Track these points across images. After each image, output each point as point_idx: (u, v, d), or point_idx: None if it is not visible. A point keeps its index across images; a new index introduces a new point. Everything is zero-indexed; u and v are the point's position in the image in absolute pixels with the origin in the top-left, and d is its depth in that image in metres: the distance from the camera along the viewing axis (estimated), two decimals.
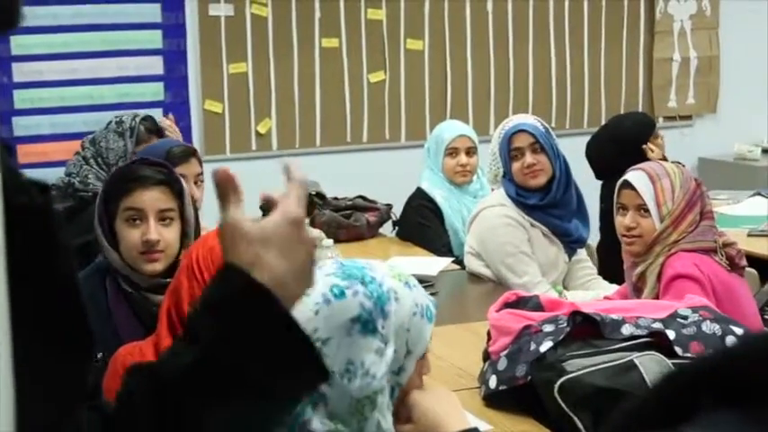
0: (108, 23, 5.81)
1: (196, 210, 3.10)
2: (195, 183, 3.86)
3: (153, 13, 5.90)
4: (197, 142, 6.00)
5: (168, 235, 2.89)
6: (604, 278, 4.45)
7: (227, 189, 1.34)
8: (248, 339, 1.21)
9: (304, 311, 1.73)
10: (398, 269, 1.83)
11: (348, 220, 5.10)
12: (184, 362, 1.20)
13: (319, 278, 1.76)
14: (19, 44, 5.68)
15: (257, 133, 6.15)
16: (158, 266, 2.89)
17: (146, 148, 4.17)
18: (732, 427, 0.76)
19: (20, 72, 5.70)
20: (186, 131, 5.96)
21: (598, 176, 4.91)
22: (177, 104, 5.98)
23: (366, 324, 1.72)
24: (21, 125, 5.72)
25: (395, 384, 1.77)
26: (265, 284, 1.23)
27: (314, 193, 5.15)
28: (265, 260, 1.26)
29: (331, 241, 4.15)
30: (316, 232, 4.48)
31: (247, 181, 5.29)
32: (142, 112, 4.85)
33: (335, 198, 5.31)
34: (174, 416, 1.19)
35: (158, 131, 4.74)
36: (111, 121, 4.68)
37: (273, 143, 6.17)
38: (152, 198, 2.91)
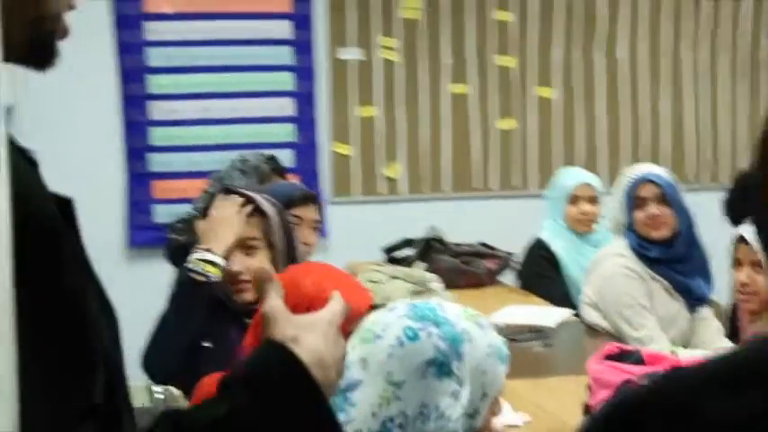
0: (242, 65, 5.92)
1: (291, 240, 3.09)
2: (312, 228, 3.88)
3: (286, 56, 5.99)
4: (325, 184, 6.06)
5: (254, 264, 2.90)
6: None
7: (268, 286, 1.37)
8: (277, 408, 1.22)
9: (377, 354, 1.72)
10: (470, 310, 1.80)
11: (467, 267, 5.06)
12: (210, 416, 1.21)
13: (392, 320, 1.74)
14: (156, 84, 5.83)
15: (385, 177, 6.16)
16: (248, 296, 2.91)
17: (268, 187, 4.21)
18: None
19: (157, 110, 5.85)
20: (314, 173, 6.03)
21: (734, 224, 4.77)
22: (307, 146, 6.04)
23: (441, 366, 1.69)
24: (156, 161, 5.86)
25: (468, 428, 1.74)
26: (303, 359, 1.25)
27: (434, 238, 5.13)
28: (307, 340, 1.29)
29: (441, 285, 4.10)
30: (428, 276, 4.44)
31: (375, 223, 5.34)
32: (267, 152, 4.89)
33: (457, 244, 5.28)
34: None
35: (281, 172, 4.80)
36: (236, 160, 4.76)
37: (401, 187, 6.17)
38: None
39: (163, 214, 5.68)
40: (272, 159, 4.82)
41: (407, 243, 5.38)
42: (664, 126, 6.46)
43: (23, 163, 1.17)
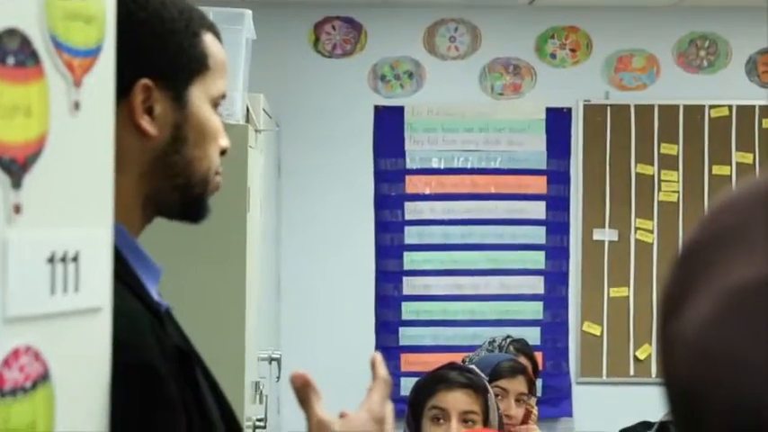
0: (494, 243, 6.00)
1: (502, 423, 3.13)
2: (516, 400, 3.83)
3: (538, 235, 6.02)
4: (573, 363, 5.97)
5: None
6: None
7: (307, 392, 1.43)
8: None
9: None
10: None
11: None
12: None
13: None
14: (411, 260, 5.99)
15: (635, 358, 6.00)
16: None
17: (477, 358, 4.22)
18: None
19: (409, 286, 6.00)
20: (563, 352, 5.96)
21: None
22: (555, 324, 6.00)
23: None
24: (406, 335, 5.98)
25: None
26: None
27: (671, 420, 4.92)
28: None
29: None
30: None
31: (624, 405, 5.20)
32: (516, 334, 4.94)
33: None
34: None
35: (527, 353, 4.80)
36: (486, 341, 4.84)
37: (652, 369, 5.98)
38: (456, 399, 2.99)
39: (409, 387, 5.73)
40: (519, 341, 4.85)
41: (646, 426, 5.19)
42: None
43: (148, 316, 1.30)
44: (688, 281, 0.75)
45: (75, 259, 1.12)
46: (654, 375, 5.98)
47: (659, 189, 6.04)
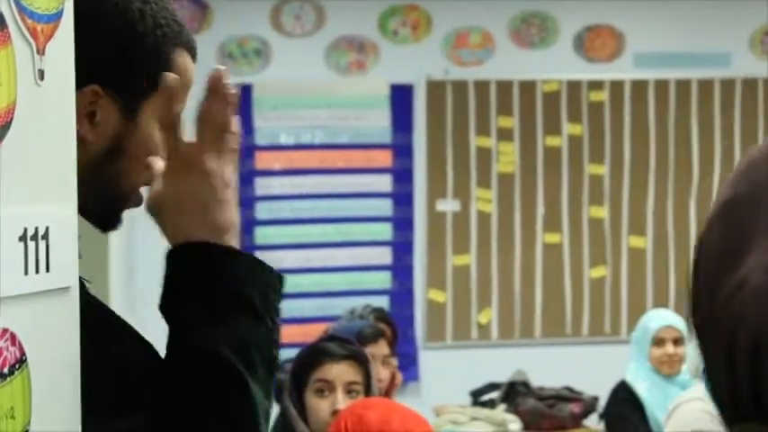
0: (343, 217, 5.98)
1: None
2: (383, 363, 3.83)
3: (385, 207, 6.03)
4: (419, 329, 6.01)
5: None
6: None
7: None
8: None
9: None
10: None
11: (551, 410, 4.92)
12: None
13: None
14: (263, 235, 5.92)
15: (478, 323, 6.08)
16: None
17: (339, 325, 4.21)
18: None
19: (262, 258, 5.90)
20: (410, 319, 5.99)
21: None
22: (402, 293, 6.02)
23: None
24: None
25: None
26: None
27: (520, 381, 5.03)
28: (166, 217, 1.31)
29: (520, 426, 4.00)
30: (509, 417, 4.33)
31: (467, 368, 5.24)
32: (375, 303, 5.00)
33: (541, 388, 5.15)
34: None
35: (388, 322, 4.83)
36: (346, 312, 4.88)
37: (493, 333, 6.08)
38: (340, 371, 2.95)
39: None
40: (378, 310, 4.90)
41: (493, 387, 5.28)
42: None
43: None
44: (742, 233, 0.79)
45: (44, 237, 1.03)
46: (494, 338, 6.08)
47: (497, 161, 6.12)
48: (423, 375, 5.98)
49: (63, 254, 1.06)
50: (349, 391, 2.94)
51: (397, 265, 6.06)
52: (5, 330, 0.97)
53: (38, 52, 1.03)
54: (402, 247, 6.07)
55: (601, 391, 5.12)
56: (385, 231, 6.05)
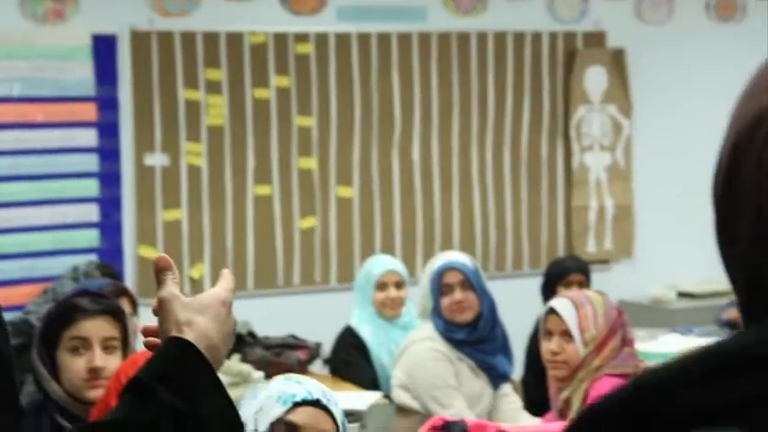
0: (45, 174, 5.63)
1: None
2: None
3: (90, 162, 5.73)
4: (131, 287, 5.77)
5: (112, 363, 2.77)
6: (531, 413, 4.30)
7: (165, 274, 1.54)
8: (186, 390, 1.38)
9: None
10: None
11: (278, 358, 4.90)
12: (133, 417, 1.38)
13: None
14: None
15: (190, 278, 5.93)
16: (102, 393, 2.72)
17: (81, 284, 4.03)
18: None
19: None
20: (120, 276, 5.74)
21: None
22: (112, 250, 5.76)
23: None
24: None
25: None
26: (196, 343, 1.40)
27: (245, 332, 4.97)
28: (198, 322, 1.42)
29: (261, 374, 4.00)
30: (245, 367, 4.30)
31: None
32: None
33: (266, 337, 5.12)
34: None
35: (114, 277, 4.72)
36: (68, 269, 4.75)
37: (206, 287, 5.93)
38: (96, 326, 2.80)
39: None
40: (103, 266, 4.76)
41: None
42: (456, 221, 6.47)
43: None
44: None
45: None
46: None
47: (206, 113, 5.97)
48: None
49: None
50: (106, 347, 2.81)
51: (105, 222, 5.78)
52: None
53: None
54: (110, 204, 5.79)
55: (321, 337, 5.16)
56: (91, 187, 5.74)
